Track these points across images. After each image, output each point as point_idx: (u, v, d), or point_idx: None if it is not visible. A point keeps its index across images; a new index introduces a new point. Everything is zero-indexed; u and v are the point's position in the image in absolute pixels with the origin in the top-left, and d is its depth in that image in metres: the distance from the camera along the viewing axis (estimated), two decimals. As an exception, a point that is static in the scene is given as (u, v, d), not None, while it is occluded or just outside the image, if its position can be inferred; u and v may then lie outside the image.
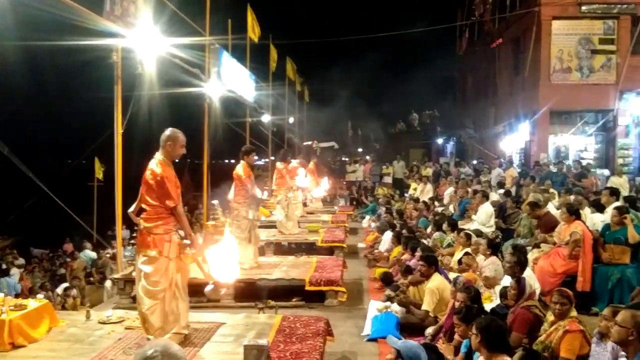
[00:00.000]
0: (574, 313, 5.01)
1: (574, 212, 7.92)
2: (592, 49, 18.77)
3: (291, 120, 25.31)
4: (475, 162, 22.09)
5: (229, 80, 13.31)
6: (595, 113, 19.26)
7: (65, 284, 12.24)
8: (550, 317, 5.11)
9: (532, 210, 9.17)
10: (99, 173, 21.09)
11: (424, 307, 6.56)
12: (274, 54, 20.31)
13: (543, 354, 4.71)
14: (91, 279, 14.17)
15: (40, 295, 6.83)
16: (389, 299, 7.73)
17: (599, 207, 9.45)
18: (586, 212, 9.51)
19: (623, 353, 4.08)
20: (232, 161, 8.96)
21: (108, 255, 14.93)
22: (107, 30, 7.25)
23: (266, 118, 20.52)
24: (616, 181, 13.55)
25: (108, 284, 10.73)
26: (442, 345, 5.16)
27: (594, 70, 18.82)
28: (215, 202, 12.47)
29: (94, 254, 15.49)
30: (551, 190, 12.53)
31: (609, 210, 8.54)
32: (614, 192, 9.51)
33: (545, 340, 4.90)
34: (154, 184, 5.09)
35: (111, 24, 7.18)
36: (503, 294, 6.23)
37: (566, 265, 7.54)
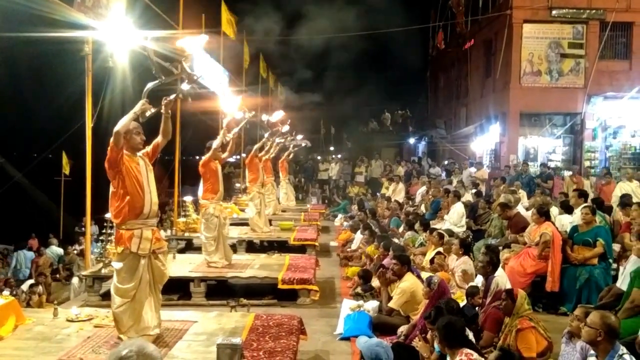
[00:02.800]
0: (527, 310, 5.16)
1: (544, 214, 8.04)
2: (561, 52, 19.11)
3: (264, 117, 25.16)
4: (446, 162, 22.28)
5: (202, 76, 13.17)
6: (564, 116, 19.63)
7: (31, 281, 11.94)
8: (506, 319, 5.25)
9: (502, 211, 9.29)
10: (66, 168, 20.65)
11: (390, 304, 6.58)
12: (246, 50, 20.19)
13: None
14: (57, 275, 13.87)
15: (5, 292, 6.64)
16: (357, 294, 7.78)
17: (568, 209, 9.61)
18: (554, 213, 9.68)
19: (592, 352, 4.17)
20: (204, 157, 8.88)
21: (75, 252, 14.64)
22: (79, 22, 7.09)
23: (239, 115, 20.33)
24: (626, 187, 12.23)
25: (75, 281, 10.52)
26: (418, 343, 5.17)
27: (563, 74, 19.17)
28: (187, 198, 12.42)
29: (60, 250, 15.16)
30: (520, 191, 12.70)
31: (578, 212, 8.69)
32: (583, 194, 9.68)
33: (503, 344, 4.99)
34: (107, 165, 4.95)
35: (82, 16, 7.03)
36: (469, 293, 6.30)
37: (536, 265, 7.65)
